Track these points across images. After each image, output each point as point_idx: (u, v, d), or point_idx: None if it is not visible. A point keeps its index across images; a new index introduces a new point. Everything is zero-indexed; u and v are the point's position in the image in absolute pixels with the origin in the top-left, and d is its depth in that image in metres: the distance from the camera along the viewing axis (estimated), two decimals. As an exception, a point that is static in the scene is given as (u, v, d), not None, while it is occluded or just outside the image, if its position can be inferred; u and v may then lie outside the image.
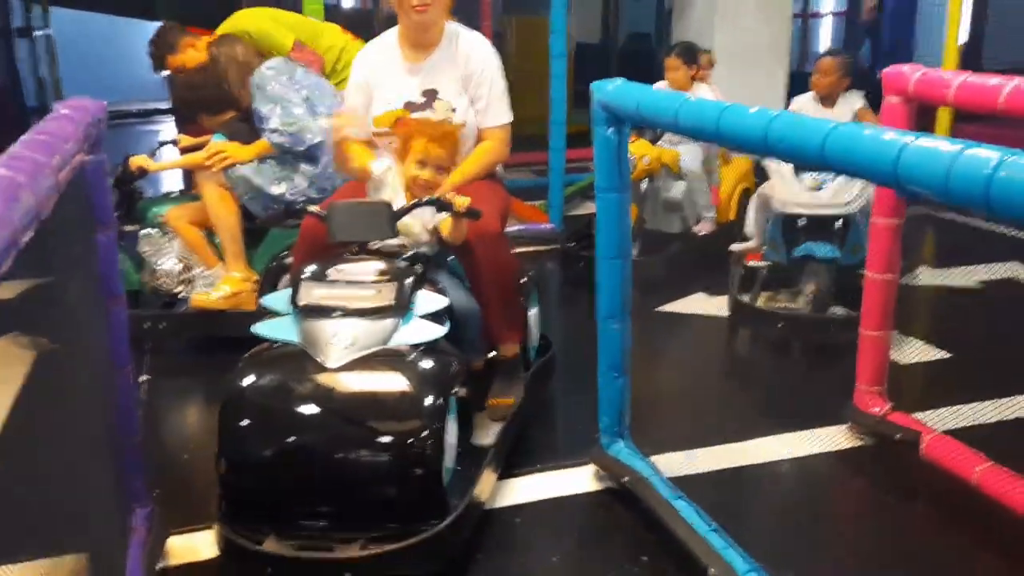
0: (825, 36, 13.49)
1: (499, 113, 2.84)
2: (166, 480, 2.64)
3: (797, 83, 7.86)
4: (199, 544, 2.34)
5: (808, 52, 12.22)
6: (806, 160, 1.57)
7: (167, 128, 10.76)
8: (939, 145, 1.29)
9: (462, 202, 2.46)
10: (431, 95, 2.79)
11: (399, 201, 2.55)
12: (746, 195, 4.78)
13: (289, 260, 3.33)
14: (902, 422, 2.78)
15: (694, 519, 2.22)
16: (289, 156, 3.60)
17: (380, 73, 2.85)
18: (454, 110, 2.77)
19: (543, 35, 5.20)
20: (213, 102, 3.73)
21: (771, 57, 7.59)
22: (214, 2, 6.46)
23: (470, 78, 2.80)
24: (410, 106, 2.80)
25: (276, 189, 3.60)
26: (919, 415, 2.86)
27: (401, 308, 2.29)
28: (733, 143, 1.80)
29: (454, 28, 2.85)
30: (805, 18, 12.94)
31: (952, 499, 2.52)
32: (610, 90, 2.24)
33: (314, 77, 3.74)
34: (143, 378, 3.42)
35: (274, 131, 3.55)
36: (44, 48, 11.02)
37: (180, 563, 2.30)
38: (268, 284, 3.55)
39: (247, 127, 3.70)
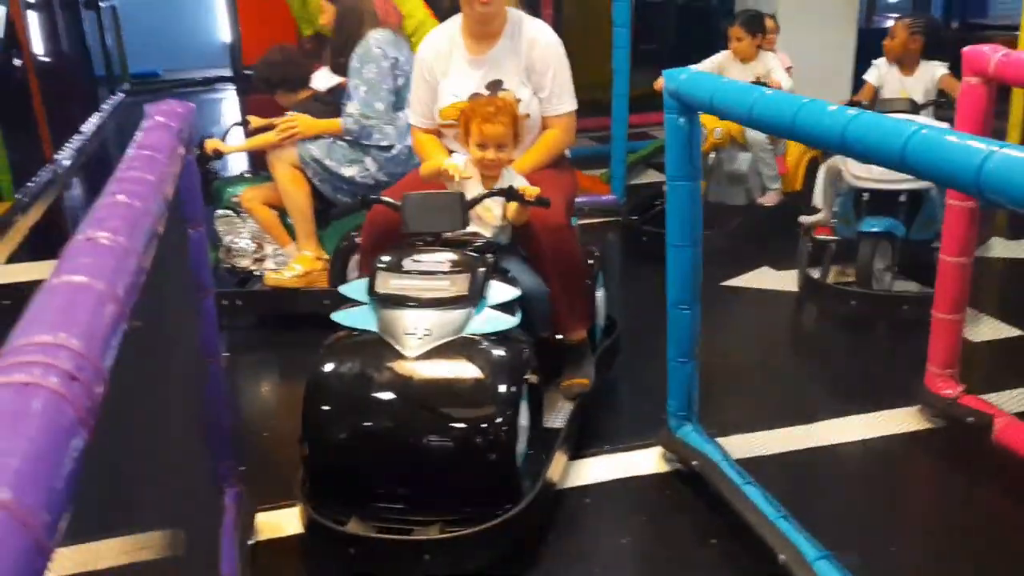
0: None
1: (564, 101, 2.85)
2: (246, 457, 2.75)
3: (867, 41, 7.65)
4: (282, 520, 2.46)
5: (878, 7, 11.81)
6: (886, 163, 1.57)
7: (229, 96, 10.97)
8: (1025, 156, 1.28)
9: (532, 191, 2.49)
10: (495, 86, 2.80)
11: (478, 190, 2.59)
12: (813, 164, 4.71)
13: (359, 240, 3.44)
14: (974, 405, 2.76)
15: (763, 505, 2.26)
16: (356, 140, 3.66)
17: (444, 65, 2.86)
18: (519, 100, 2.77)
19: (605, -3, 5.14)
20: (289, 81, 3.83)
21: (840, 15, 7.37)
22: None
23: (534, 67, 2.80)
24: (475, 99, 2.81)
25: (347, 171, 3.67)
26: (991, 396, 2.84)
27: (474, 298, 2.35)
28: (809, 141, 1.80)
29: (517, 16, 2.84)
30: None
31: (1025, 484, 2.51)
32: (683, 79, 2.24)
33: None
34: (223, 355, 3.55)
35: (350, 115, 3.59)
36: (110, 18, 11.23)
37: (267, 539, 2.42)
38: (338, 263, 3.65)
39: (320, 107, 3.76)
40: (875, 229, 3.70)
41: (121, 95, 10.76)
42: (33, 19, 8.01)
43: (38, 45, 8.00)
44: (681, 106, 2.27)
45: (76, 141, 8.00)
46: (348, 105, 3.61)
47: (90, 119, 8.90)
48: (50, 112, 7.23)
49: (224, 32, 12.61)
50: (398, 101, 3.64)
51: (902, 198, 3.72)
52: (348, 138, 3.66)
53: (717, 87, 2.10)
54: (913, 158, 1.48)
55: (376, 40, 3.60)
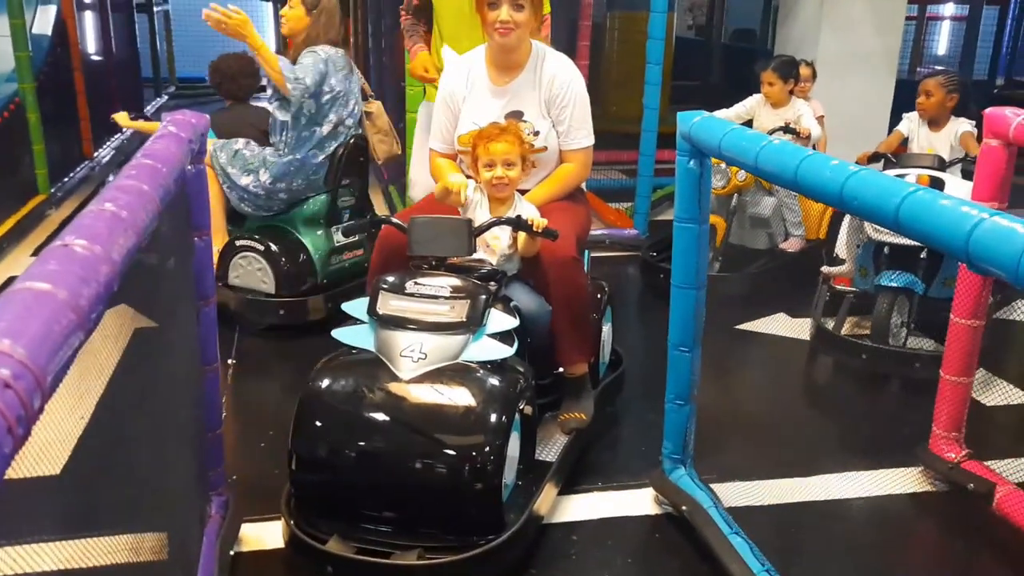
0: (943, 41, 12.92)
1: (581, 136, 2.86)
2: (238, 466, 2.77)
3: (906, 92, 7.59)
4: (266, 533, 2.46)
5: (922, 57, 11.73)
6: (880, 223, 1.55)
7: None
8: (1015, 226, 1.27)
9: (540, 223, 2.50)
10: (515, 117, 2.82)
11: (486, 217, 2.61)
12: (839, 213, 4.67)
13: (241, 242, 3.81)
14: (977, 471, 2.70)
15: (748, 557, 2.23)
16: (260, 151, 3.83)
17: (466, 92, 2.89)
18: (536, 133, 2.80)
19: (646, 31, 5.14)
20: (222, 89, 4.23)
21: (879, 65, 7.31)
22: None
23: (554, 101, 2.82)
24: None
25: (243, 180, 3.85)
26: (997, 464, 2.78)
27: (472, 325, 2.35)
28: (811, 194, 1.79)
29: (541, 49, 2.87)
30: (921, 21, 12.42)
31: (1022, 556, 2.45)
32: (695, 123, 2.24)
33: (357, 87, 3.93)
34: (230, 360, 3.58)
35: (290, 71, 3.65)
36: (162, 22, 11.49)
37: (250, 550, 2.42)
38: (220, 263, 3.83)
39: (233, 118, 4.01)
40: (893, 284, 3.65)
41: (166, 97, 10.99)
42: (88, 19, 8.21)
43: (89, 44, 8.19)
44: (692, 149, 2.27)
45: (116, 140, 8.17)
46: (290, 70, 3.67)
47: (132, 119, 9.08)
48: (93, 110, 7.39)
49: (270, 42, 12.84)
50: (316, 116, 3.76)
51: (923, 255, 3.68)
52: (280, 84, 3.66)
53: (726, 134, 2.10)
54: (906, 219, 1.46)
55: (325, 51, 3.75)
